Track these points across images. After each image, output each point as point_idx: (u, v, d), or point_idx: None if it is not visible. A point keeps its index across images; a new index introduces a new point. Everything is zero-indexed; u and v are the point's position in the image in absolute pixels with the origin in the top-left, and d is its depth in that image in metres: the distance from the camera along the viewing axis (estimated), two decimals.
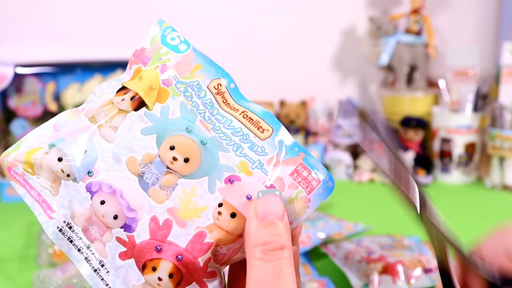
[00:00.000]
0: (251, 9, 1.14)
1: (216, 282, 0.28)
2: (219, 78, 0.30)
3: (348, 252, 0.60)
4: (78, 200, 0.28)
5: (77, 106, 0.30)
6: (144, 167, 0.28)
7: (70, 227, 0.28)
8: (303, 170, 0.28)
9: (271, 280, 0.24)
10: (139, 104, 0.29)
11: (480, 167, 1.03)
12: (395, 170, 0.27)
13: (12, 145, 0.29)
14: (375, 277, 0.54)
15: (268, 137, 0.28)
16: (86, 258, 0.28)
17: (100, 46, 1.07)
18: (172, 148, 0.28)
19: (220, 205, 0.27)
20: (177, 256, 0.26)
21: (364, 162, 1.03)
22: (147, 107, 0.29)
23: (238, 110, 0.29)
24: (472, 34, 1.20)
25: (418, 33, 1.11)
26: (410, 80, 1.14)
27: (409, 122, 1.05)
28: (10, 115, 0.98)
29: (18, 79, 0.96)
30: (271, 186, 0.27)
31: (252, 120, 0.29)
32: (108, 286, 0.28)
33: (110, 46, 1.07)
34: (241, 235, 0.27)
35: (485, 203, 0.88)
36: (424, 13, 1.11)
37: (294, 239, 0.29)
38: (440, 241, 0.27)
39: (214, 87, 0.30)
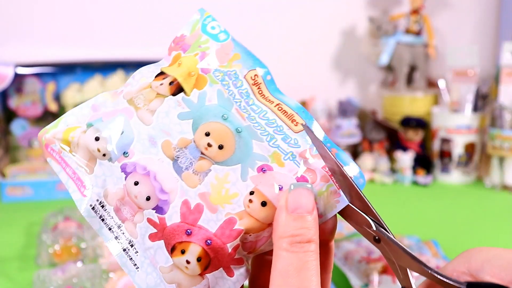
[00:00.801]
0: (251, 9, 1.14)
1: (242, 270, 0.28)
2: (256, 69, 0.31)
3: (348, 252, 0.60)
4: (112, 180, 0.28)
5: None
6: (178, 151, 0.28)
7: (102, 206, 0.28)
8: None
9: (295, 271, 0.24)
10: (177, 89, 0.29)
11: (480, 167, 1.03)
12: (352, 196, 0.27)
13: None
14: (375, 277, 0.54)
15: (301, 131, 0.29)
16: (116, 237, 0.28)
17: (100, 46, 1.07)
18: (207, 134, 0.28)
19: (251, 193, 0.27)
20: (206, 241, 0.27)
21: (364, 162, 1.04)
22: (185, 92, 0.29)
23: (273, 102, 0.30)
24: (472, 34, 1.20)
25: (418, 33, 1.11)
26: (410, 80, 1.14)
27: (409, 122, 1.05)
28: (10, 115, 0.98)
29: (18, 79, 0.96)
30: (302, 177, 0.27)
31: (287, 113, 0.29)
32: (136, 266, 0.28)
33: (110, 46, 1.07)
34: (270, 224, 0.27)
35: (485, 203, 0.88)
36: (424, 13, 1.11)
37: (330, 234, 0.29)
38: (401, 262, 0.27)
39: (251, 77, 0.30)
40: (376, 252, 0.59)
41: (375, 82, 1.23)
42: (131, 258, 0.28)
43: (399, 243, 0.27)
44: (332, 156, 0.27)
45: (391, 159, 1.04)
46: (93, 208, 0.28)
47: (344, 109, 1.09)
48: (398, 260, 0.27)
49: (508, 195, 0.92)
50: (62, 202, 0.88)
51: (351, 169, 0.28)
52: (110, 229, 0.28)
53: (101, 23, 1.07)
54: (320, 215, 0.27)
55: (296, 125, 0.29)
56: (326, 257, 0.30)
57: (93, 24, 1.07)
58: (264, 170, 0.28)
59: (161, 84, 0.29)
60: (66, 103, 0.98)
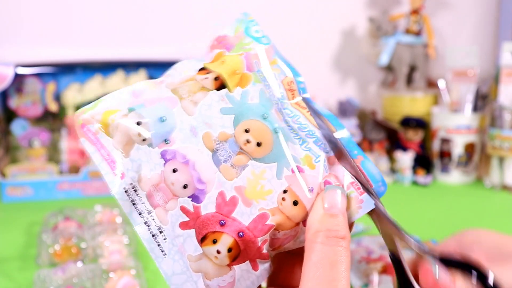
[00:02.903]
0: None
1: (266, 265, 0.29)
2: (292, 76, 0.32)
3: None
4: (149, 165, 0.28)
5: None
6: (218, 144, 0.29)
7: (135, 190, 0.29)
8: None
9: (330, 265, 0.25)
10: (221, 85, 0.30)
11: (479, 167, 1.03)
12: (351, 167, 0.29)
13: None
14: (375, 277, 0.54)
15: None
16: (145, 223, 0.28)
17: (100, 46, 1.07)
18: (247, 130, 0.29)
19: (285, 191, 0.29)
20: (239, 233, 0.28)
21: None
22: (228, 89, 0.30)
23: (305, 108, 0.31)
24: (471, 34, 1.20)
25: (418, 33, 1.11)
26: (410, 80, 1.14)
27: (409, 122, 1.05)
28: (11, 115, 0.98)
29: (18, 79, 0.96)
30: (329, 182, 0.29)
31: None
32: (163, 253, 0.28)
33: (110, 46, 1.07)
34: (298, 224, 0.29)
35: (485, 203, 0.89)
36: (424, 13, 1.11)
37: None
38: (390, 231, 0.29)
39: (287, 83, 0.32)
40: (376, 252, 0.59)
41: (375, 82, 1.23)
42: (159, 244, 0.28)
43: (385, 212, 0.29)
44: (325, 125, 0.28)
45: (391, 159, 1.04)
46: (126, 192, 0.28)
47: (344, 109, 1.09)
48: (383, 228, 0.29)
49: (508, 195, 0.92)
50: (62, 202, 0.89)
51: (374, 176, 0.29)
52: (140, 213, 0.29)
53: (101, 23, 1.07)
54: None
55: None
56: None
57: (93, 24, 1.07)
58: (297, 172, 0.29)
59: (206, 78, 0.30)
60: (66, 103, 0.98)
